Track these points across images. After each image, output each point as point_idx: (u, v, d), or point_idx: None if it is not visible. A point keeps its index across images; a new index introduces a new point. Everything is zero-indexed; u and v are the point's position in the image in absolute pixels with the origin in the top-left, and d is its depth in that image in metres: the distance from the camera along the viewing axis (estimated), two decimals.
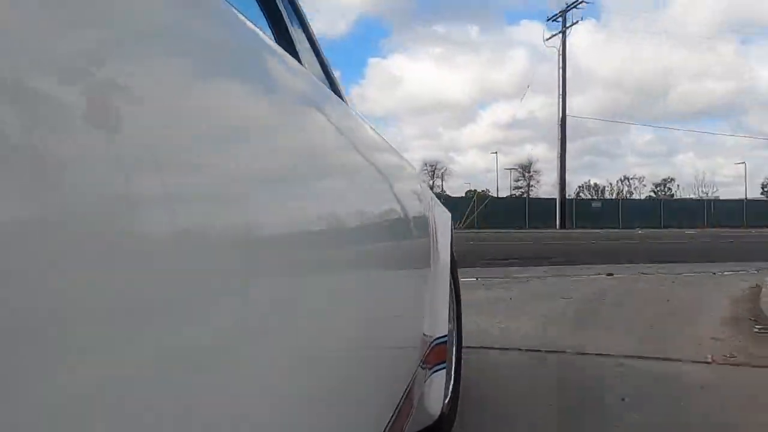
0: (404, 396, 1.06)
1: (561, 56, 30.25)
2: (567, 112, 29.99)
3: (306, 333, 0.54)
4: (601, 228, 30.30)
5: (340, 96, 1.18)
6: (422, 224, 1.47)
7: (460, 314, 2.24)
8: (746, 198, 46.70)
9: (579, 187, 49.39)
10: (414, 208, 1.41)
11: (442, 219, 1.97)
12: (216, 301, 0.38)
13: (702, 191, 48.92)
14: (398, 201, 1.23)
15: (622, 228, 32.64)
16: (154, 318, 0.31)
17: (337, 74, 1.34)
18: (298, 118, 0.66)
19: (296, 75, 0.74)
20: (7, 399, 0.21)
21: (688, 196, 45.79)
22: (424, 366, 1.39)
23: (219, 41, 0.48)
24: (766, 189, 51.95)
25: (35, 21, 0.26)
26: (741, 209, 38.66)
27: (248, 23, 0.57)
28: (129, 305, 0.28)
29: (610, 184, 51.89)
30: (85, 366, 0.25)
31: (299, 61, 0.92)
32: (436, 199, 2.07)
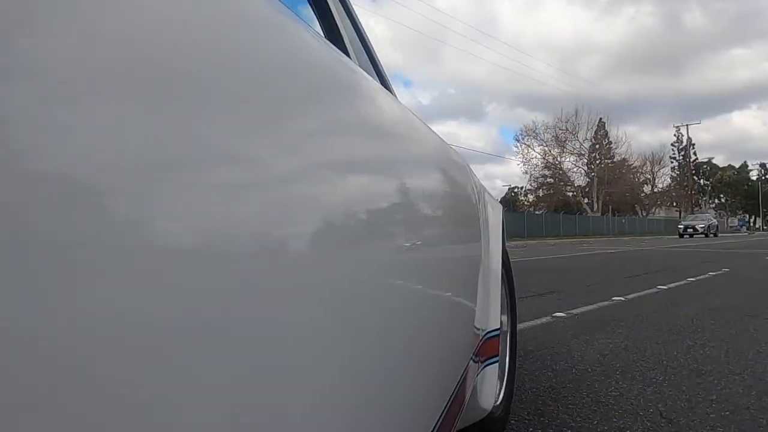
0: (456, 389, 1.05)
1: None
2: None
3: (357, 325, 0.55)
4: None
5: (388, 89, 1.19)
6: (473, 215, 1.46)
7: (515, 308, 2.21)
8: None
9: None
10: (465, 199, 1.39)
11: (493, 210, 1.95)
12: (276, 287, 0.39)
13: None
14: (450, 192, 1.22)
15: None
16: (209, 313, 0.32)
17: (386, 68, 1.34)
18: (349, 112, 0.67)
19: (346, 69, 0.74)
20: (7, 399, 0.20)
21: None
22: (476, 360, 1.38)
23: (269, 38, 0.49)
24: None
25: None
26: None
27: (297, 19, 0.58)
28: (147, 302, 0.28)
29: None
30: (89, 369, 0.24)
31: (348, 55, 0.93)
32: (487, 189, 2.04)
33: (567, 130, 51.09)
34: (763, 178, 79.70)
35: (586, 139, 52.36)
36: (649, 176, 57.55)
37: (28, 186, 0.22)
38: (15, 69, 0.22)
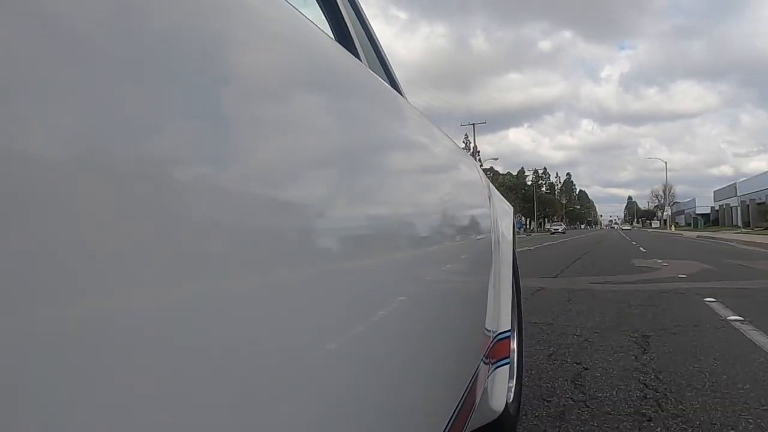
0: (467, 391, 1.05)
1: None
2: None
3: (367, 327, 0.55)
4: None
5: (399, 91, 1.19)
6: (484, 217, 1.46)
7: (521, 311, 2.20)
8: None
9: None
10: (475, 202, 1.39)
11: (503, 213, 1.95)
12: (290, 290, 0.39)
13: None
14: (459, 194, 1.22)
15: None
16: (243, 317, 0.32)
17: (396, 70, 1.34)
18: (359, 113, 0.67)
19: (356, 72, 0.74)
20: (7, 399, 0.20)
21: None
22: (486, 361, 1.38)
23: (279, 40, 0.49)
24: None
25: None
26: None
27: (308, 21, 0.58)
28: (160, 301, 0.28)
29: None
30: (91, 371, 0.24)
31: (358, 57, 0.93)
32: (497, 192, 2.04)
33: None
34: (537, 183, 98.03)
35: None
36: None
37: (27, 186, 0.22)
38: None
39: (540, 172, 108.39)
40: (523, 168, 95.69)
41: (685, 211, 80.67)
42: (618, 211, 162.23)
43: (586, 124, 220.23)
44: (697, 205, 74.21)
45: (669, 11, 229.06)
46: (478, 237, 1.36)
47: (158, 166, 0.29)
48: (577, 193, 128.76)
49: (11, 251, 0.21)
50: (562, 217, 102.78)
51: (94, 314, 0.24)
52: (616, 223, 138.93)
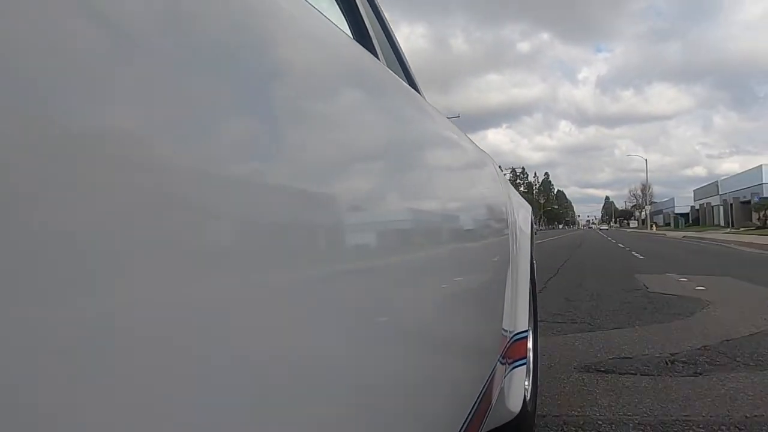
0: (483, 391, 1.05)
1: None
2: None
3: (384, 326, 0.55)
4: None
5: (417, 89, 1.18)
6: (501, 216, 1.45)
7: (536, 311, 2.19)
8: None
9: None
10: (493, 201, 1.38)
11: (521, 211, 1.93)
12: (309, 290, 0.39)
13: None
14: (477, 193, 1.21)
15: None
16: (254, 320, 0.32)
17: (413, 68, 1.34)
18: (377, 112, 0.67)
19: (374, 70, 0.74)
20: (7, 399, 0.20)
21: None
22: (503, 361, 1.37)
23: (297, 38, 0.49)
24: None
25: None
26: None
27: (326, 19, 0.58)
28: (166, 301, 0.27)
29: None
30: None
31: (376, 56, 0.93)
32: (516, 191, 2.02)
33: None
34: (515, 182, 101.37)
35: None
36: None
37: (29, 185, 0.21)
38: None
39: (518, 171, 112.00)
40: (500, 166, 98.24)
41: (664, 211, 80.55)
42: (595, 211, 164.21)
43: (564, 126, 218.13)
44: (676, 205, 73.91)
45: (646, 12, 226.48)
46: (499, 235, 1.35)
47: (175, 164, 0.29)
48: (555, 193, 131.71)
49: (25, 250, 0.21)
50: (540, 217, 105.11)
51: (106, 313, 0.24)
52: (593, 223, 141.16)
